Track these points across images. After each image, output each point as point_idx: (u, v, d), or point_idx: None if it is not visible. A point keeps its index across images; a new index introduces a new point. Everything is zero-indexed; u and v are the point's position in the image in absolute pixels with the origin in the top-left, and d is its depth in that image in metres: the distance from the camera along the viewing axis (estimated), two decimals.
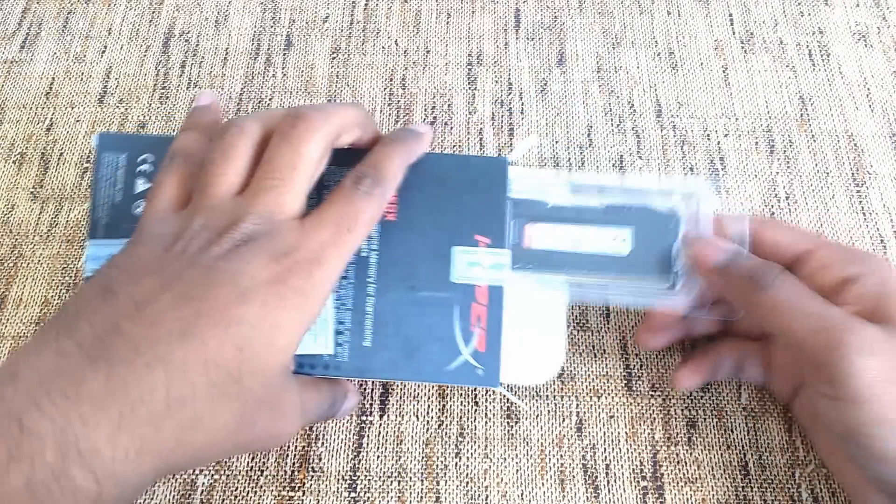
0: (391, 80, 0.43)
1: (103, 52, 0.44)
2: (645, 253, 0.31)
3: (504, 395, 0.33)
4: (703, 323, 0.33)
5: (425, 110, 0.42)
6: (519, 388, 0.34)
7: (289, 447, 0.33)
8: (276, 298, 0.24)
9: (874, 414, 0.24)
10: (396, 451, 0.33)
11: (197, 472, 0.32)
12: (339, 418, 0.33)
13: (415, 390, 0.34)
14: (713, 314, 0.31)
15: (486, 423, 0.33)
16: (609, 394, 0.34)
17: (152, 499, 0.32)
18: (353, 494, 0.32)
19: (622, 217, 0.31)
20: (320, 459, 0.32)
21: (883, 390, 0.24)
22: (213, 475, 0.32)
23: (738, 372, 0.32)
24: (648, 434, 0.33)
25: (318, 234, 0.25)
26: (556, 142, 0.40)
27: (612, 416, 0.33)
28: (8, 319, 0.36)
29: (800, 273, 0.29)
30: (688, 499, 0.32)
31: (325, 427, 0.33)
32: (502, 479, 0.32)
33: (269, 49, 0.44)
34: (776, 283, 0.27)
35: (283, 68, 0.43)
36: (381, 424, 0.33)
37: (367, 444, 0.33)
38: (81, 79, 0.43)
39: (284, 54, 0.44)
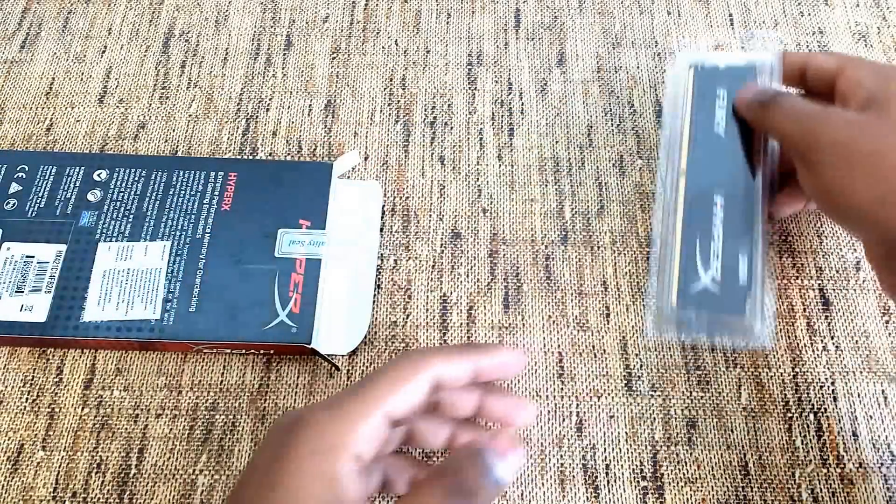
0: (391, 80, 0.43)
1: (103, 52, 0.44)
2: None
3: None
4: None
5: (425, 110, 0.42)
6: (521, 388, 0.34)
7: None
8: None
9: (844, 166, 0.28)
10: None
11: (197, 472, 0.32)
12: None
13: None
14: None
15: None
16: (609, 394, 0.34)
17: (153, 499, 0.32)
18: None
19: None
20: None
21: (846, 155, 0.28)
22: (212, 475, 0.32)
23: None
24: (648, 434, 0.33)
25: None
26: (557, 142, 0.40)
27: (612, 416, 0.33)
28: None
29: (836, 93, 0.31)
30: (688, 499, 0.32)
31: None
32: None
33: (269, 49, 0.44)
34: (774, 100, 0.31)
35: (283, 68, 0.43)
36: None
37: None
38: (81, 79, 0.43)
39: (284, 54, 0.44)
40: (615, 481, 0.32)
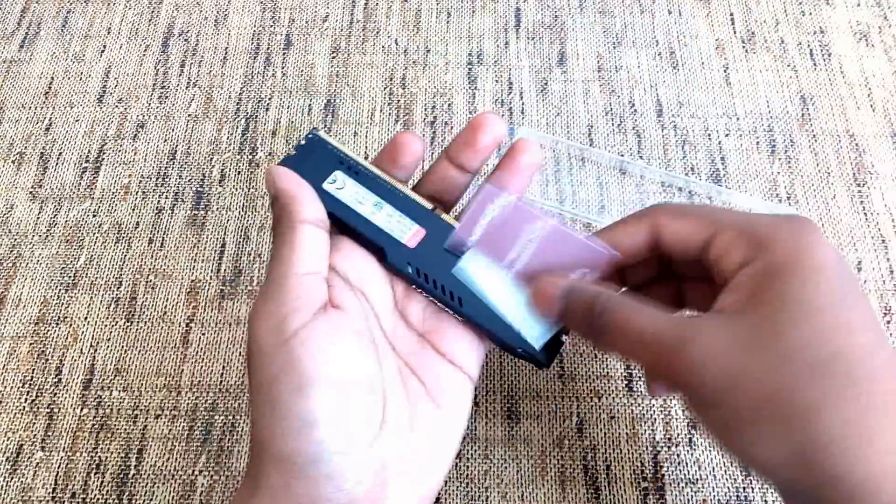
0: (391, 79, 0.43)
1: (102, 51, 0.44)
2: None
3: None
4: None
5: (425, 110, 0.42)
6: (521, 388, 0.34)
7: None
8: None
9: (734, 415, 0.21)
10: None
11: (196, 472, 0.32)
12: None
13: None
14: None
15: (487, 423, 0.33)
16: (610, 394, 0.34)
17: (152, 499, 0.32)
18: None
19: None
20: None
21: (733, 389, 0.21)
22: (212, 476, 0.32)
23: None
24: (649, 434, 0.33)
25: None
26: (557, 142, 0.40)
27: (612, 417, 0.33)
28: (7, 319, 0.36)
29: (705, 265, 0.25)
30: (689, 499, 0.31)
31: None
32: (503, 480, 0.32)
33: (268, 48, 0.44)
34: (607, 308, 0.24)
35: (282, 68, 0.43)
36: None
37: None
38: (80, 78, 0.43)
39: (284, 54, 0.44)
40: (616, 482, 0.32)
